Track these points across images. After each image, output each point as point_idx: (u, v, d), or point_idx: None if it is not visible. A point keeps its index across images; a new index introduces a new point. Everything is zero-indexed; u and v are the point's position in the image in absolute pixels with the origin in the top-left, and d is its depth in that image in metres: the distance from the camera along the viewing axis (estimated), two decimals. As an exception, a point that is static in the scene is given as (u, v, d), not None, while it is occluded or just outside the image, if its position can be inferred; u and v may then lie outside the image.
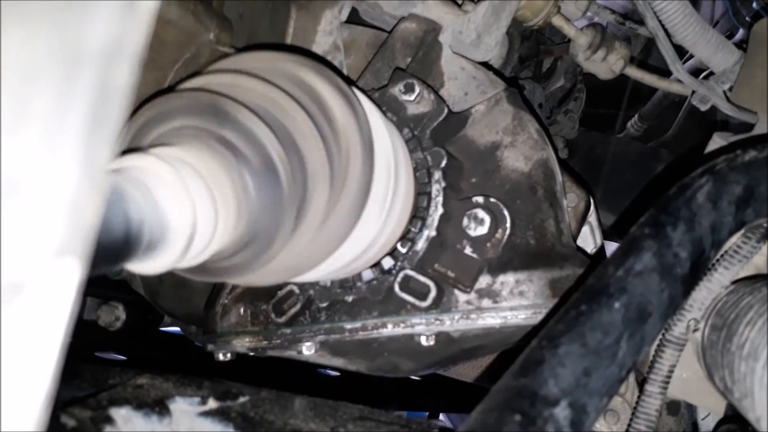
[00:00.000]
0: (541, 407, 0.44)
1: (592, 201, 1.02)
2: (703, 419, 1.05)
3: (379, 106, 0.75)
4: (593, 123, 1.74)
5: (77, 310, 0.28)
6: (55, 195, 0.24)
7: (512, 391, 0.45)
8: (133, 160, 0.46)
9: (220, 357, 0.89)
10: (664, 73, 1.18)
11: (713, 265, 0.72)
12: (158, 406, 0.58)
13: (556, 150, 0.87)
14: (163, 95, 0.56)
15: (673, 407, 1.01)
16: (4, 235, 0.23)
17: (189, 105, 0.54)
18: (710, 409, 0.90)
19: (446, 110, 0.82)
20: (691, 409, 1.03)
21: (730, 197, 0.58)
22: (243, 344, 0.87)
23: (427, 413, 2.43)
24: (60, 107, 0.23)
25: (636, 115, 1.77)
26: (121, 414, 0.55)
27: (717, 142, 0.86)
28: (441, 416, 2.56)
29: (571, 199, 0.98)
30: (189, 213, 0.47)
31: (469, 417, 0.44)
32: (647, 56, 1.73)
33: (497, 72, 0.91)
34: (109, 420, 0.54)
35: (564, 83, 1.61)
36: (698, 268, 0.53)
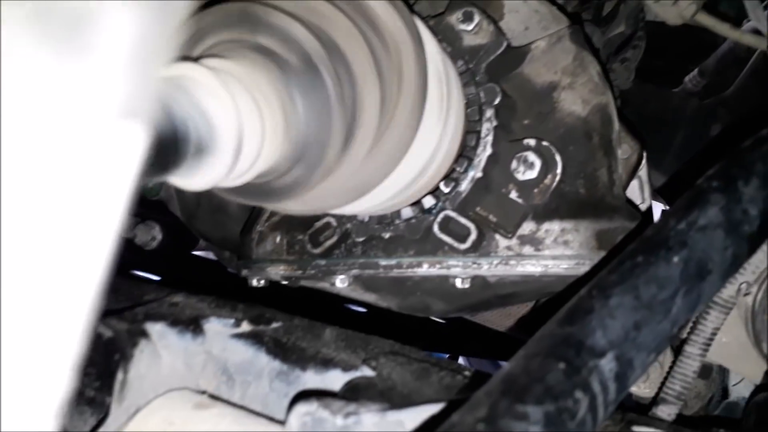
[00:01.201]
0: (586, 357, 0.42)
1: (644, 154, 0.98)
2: (734, 385, 1.03)
3: (434, 33, 0.71)
4: (649, 75, 1.65)
5: (140, 185, 0.25)
6: (123, 43, 0.21)
7: (558, 338, 0.43)
8: (177, 69, 0.44)
9: (254, 283, 0.90)
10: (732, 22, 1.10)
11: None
12: (192, 325, 0.58)
13: (615, 96, 0.82)
14: (194, 16, 0.53)
15: (705, 371, 0.99)
16: (63, 88, 0.21)
17: (219, 20, 0.52)
18: (747, 375, 0.88)
19: (505, 44, 0.78)
20: (724, 373, 1.01)
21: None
22: (277, 272, 0.87)
23: (448, 355, 2.45)
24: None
25: (696, 70, 1.68)
26: (156, 329, 0.55)
27: (792, 98, 0.80)
28: (460, 359, 2.58)
29: (624, 150, 0.94)
30: (235, 123, 0.45)
31: (511, 360, 0.43)
32: (715, 4, 1.63)
33: (560, 8, 0.85)
34: (145, 334, 0.54)
35: (624, 29, 1.52)
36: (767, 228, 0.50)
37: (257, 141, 0.47)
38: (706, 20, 1.05)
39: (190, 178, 0.45)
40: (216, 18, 0.52)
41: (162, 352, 0.55)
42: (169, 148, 0.39)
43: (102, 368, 0.55)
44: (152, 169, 0.38)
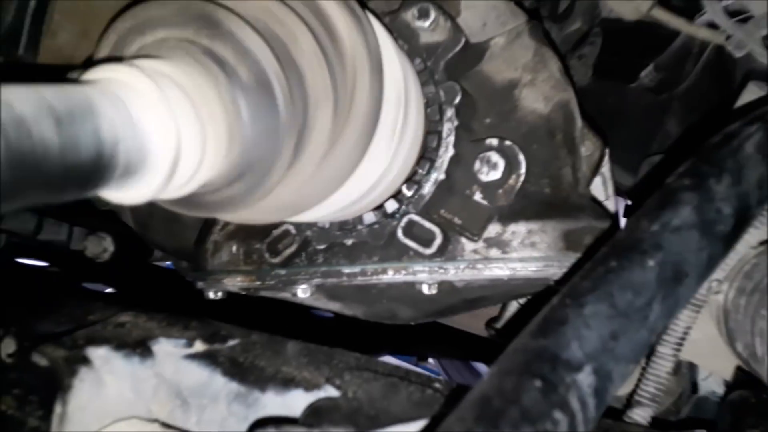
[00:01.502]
0: (563, 372, 0.39)
1: (607, 151, 0.97)
2: (703, 380, 1.03)
3: (389, 32, 0.68)
4: (606, 71, 1.66)
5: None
6: None
7: (532, 353, 0.40)
8: (109, 72, 0.40)
9: (211, 296, 0.85)
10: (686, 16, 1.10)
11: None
12: (140, 347, 0.53)
13: (577, 92, 0.81)
14: (144, 2, 0.49)
15: (675, 367, 0.98)
16: None
17: (175, 13, 0.48)
18: (718, 372, 0.88)
19: (463, 40, 0.75)
20: (693, 369, 1.01)
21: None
22: (235, 283, 0.83)
23: (416, 357, 2.43)
24: None
25: (651, 65, 1.69)
26: (99, 354, 0.51)
27: (753, 91, 0.79)
28: (429, 360, 2.57)
29: (587, 147, 0.92)
30: (173, 135, 0.41)
31: (483, 378, 0.40)
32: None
33: (518, 3, 0.83)
34: (85, 360, 0.50)
35: (581, 26, 1.52)
36: (741, 226, 0.48)
37: (196, 155, 0.44)
38: (662, 15, 1.05)
39: (121, 192, 0.41)
40: (168, 11, 0.48)
41: (106, 378, 0.50)
42: (91, 163, 0.35)
43: (44, 396, 0.51)
44: (73, 186, 0.34)
